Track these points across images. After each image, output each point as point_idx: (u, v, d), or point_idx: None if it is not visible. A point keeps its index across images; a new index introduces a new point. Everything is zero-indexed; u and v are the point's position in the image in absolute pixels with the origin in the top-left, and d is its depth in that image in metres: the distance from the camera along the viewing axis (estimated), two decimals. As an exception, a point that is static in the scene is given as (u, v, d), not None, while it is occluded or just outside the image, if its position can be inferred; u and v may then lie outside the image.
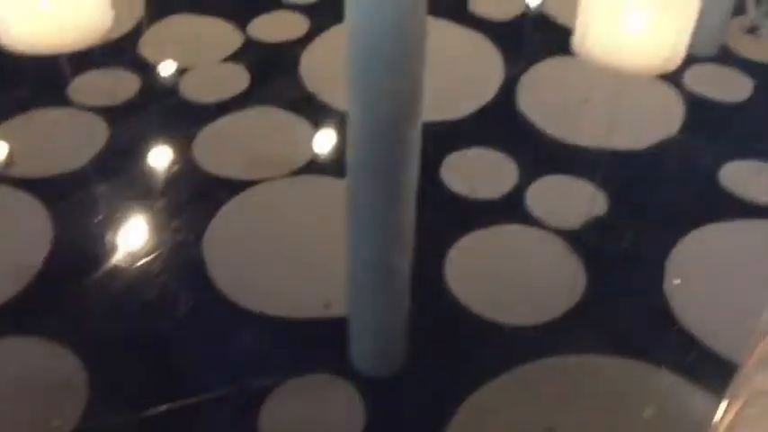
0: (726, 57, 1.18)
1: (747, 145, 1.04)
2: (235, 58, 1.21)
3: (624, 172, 1.02)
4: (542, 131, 1.06)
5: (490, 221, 0.99)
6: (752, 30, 1.20)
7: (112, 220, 1.05)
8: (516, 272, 0.98)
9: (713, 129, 1.06)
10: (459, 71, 1.15)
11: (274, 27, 1.24)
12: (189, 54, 1.23)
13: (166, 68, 1.27)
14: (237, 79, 1.17)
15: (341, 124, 1.11)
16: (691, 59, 1.14)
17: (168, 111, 1.19)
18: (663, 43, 1.08)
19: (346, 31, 1.21)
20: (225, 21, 1.27)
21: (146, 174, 1.11)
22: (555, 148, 1.04)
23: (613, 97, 1.11)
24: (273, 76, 1.19)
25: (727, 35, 1.20)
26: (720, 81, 1.13)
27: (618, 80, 1.15)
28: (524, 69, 1.13)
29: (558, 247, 0.96)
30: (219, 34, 1.24)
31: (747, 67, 1.16)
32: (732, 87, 1.12)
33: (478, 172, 1.03)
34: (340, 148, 1.08)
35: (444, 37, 1.22)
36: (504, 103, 1.09)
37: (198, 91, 1.19)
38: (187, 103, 1.18)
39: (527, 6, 1.25)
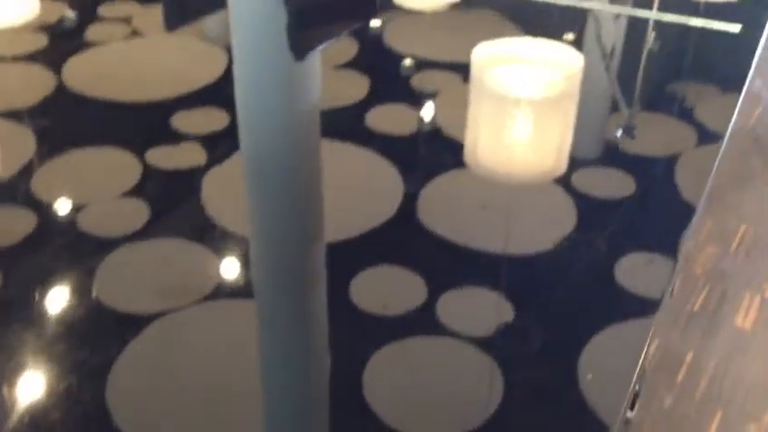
0: (607, 155, 1.26)
1: (636, 238, 1.09)
2: (134, 189, 1.19)
3: (527, 275, 1.05)
4: (445, 242, 1.08)
5: (404, 336, 1.00)
6: (627, 130, 1.29)
7: (6, 369, 1.00)
8: (433, 384, 0.98)
9: (604, 226, 1.12)
10: (360, 190, 1.17)
11: (173, 156, 1.24)
12: (85, 188, 1.21)
13: (62, 205, 1.24)
14: (137, 211, 1.16)
15: (244, 249, 1.11)
16: (576, 162, 1.21)
17: (66, 248, 1.16)
18: (547, 151, 1.15)
19: (242, 157, 1.22)
20: (122, 152, 1.26)
21: (43, 316, 1.07)
22: (459, 257, 1.07)
23: (509, 204, 1.16)
24: (174, 206, 1.18)
25: (607, 135, 1.28)
26: (605, 179, 1.19)
27: (511, 187, 1.21)
28: (422, 184, 1.17)
29: (471, 355, 0.98)
30: (117, 167, 1.23)
31: (628, 163, 1.24)
32: (616, 184, 1.18)
33: (387, 289, 1.04)
34: (245, 274, 1.08)
35: (342, 156, 1.25)
36: (405, 218, 1.12)
37: (97, 226, 1.17)
38: (86, 238, 1.15)
39: (421, 121, 1.29)
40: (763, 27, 1.52)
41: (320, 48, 1.56)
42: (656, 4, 1.64)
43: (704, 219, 2.30)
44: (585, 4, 1.61)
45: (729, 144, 1.18)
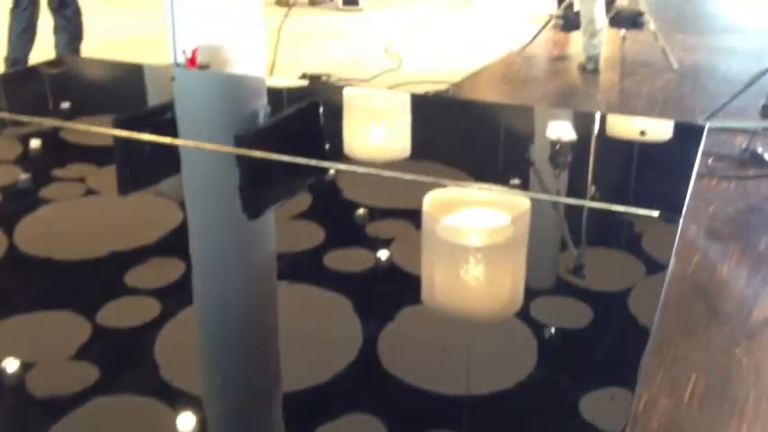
0: (563, 288, 1.27)
1: (598, 371, 1.09)
2: (84, 349, 1.16)
3: (490, 416, 1.03)
4: (407, 385, 1.06)
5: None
6: (576, 269, 1.31)
7: None
8: None
9: (565, 359, 1.11)
10: (318, 334, 1.16)
11: (124, 313, 1.21)
12: (34, 351, 1.18)
13: (10, 365, 1.20)
14: (88, 371, 1.12)
15: (199, 406, 1.08)
16: (533, 294, 1.22)
17: (15, 412, 1.11)
18: (502, 290, 1.16)
19: (196, 310, 1.20)
20: (71, 313, 1.23)
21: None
22: (421, 400, 1.05)
23: (468, 342, 1.15)
24: (126, 365, 1.15)
25: (560, 268, 1.30)
26: (562, 311, 1.20)
27: (470, 325, 1.21)
28: (381, 325, 1.16)
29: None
30: (66, 328, 1.20)
31: (583, 295, 1.25)
32: (574, 316, 1.19)
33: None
34: (202, 429, 1.03)
35: (300, 300, 1.24)
36: (366, 362, 1.10)
37: (47, 388, 1.13)
38: (35, 401, 1.11)
39: (378, 262, 1.31)
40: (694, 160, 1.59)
41: (273, 206, 1.59)
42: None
43: (655, 370, 2.31)
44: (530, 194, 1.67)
45: (671, 291, 1.20)
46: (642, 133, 1.79)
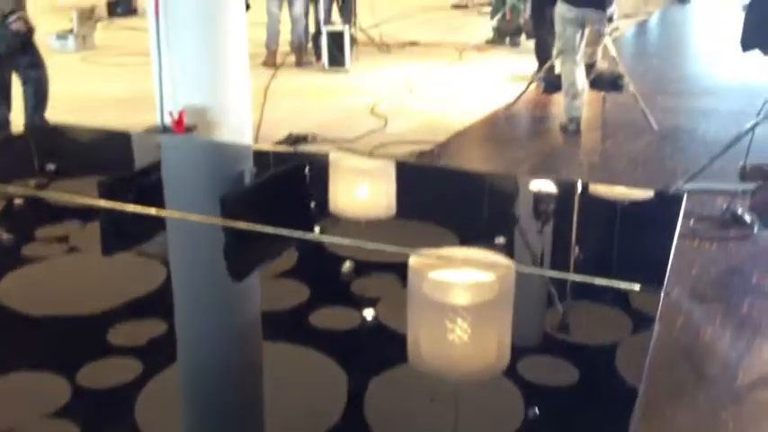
0: (549, 346, 1.27)
1: (584, 429, 1.08)
2: (64, 410, 1.14)
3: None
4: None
5: None
6: (562, 327, 1.32)
7: None
8: None
9: (552, 417, 1.10)
10: (305, 394, 1.14)
11: (105, 373, 1.19)
12: (11, 410, 1.15)
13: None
14: None
15: (183, 468, 1.05)
16: (519, 352, 1.21)
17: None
18: (488, 349, 1.15)
19: (179, 369, 1.19)
20: (50, 374, 1.21)
21: None
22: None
23: (455, 401, 1.14)
24: (106, 425, 1.12)
25: (546, 326, 1.30)
26: (549, 369, 1.20)
27: (456, 384, 1.20)
28: (368, 382, 1.15)
29: None
30: (45, 388, 1.18)
31: (568, 351, 1.25)
32: (560, 373, 1.18)
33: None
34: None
35: (286, 359, 1.23)
36: (352, 421, 1.09)
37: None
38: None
39: (363, 320, 1.30)
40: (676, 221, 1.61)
41: (258, 264, 1.59)
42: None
43: (643, 432, 2.29)
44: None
45: (656, 353, 1.20)
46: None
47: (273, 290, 1.49)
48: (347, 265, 1.48)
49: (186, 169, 2.07)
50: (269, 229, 1.55)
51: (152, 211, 1.65)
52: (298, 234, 1.59)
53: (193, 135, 4.46)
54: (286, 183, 1.96)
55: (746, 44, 3.72)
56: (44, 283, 1.51)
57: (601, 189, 2.06)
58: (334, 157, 2.47)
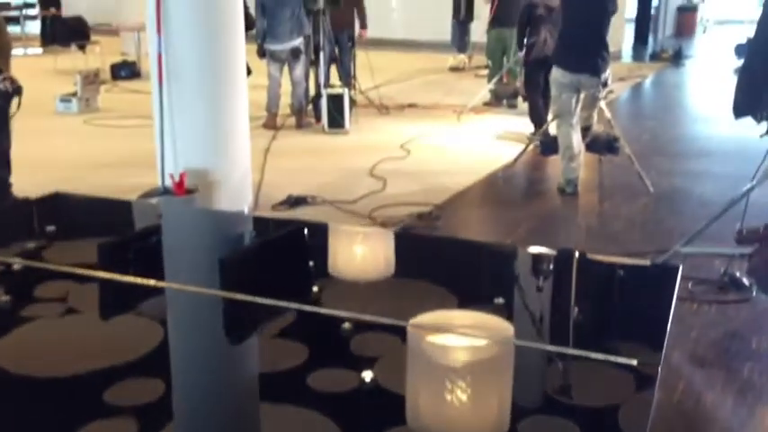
0: (548, 407, 1.26)
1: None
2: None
3: None
4: None
5: None
6: (563, 389, 1.31)
7: None
8: None
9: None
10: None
11: (103, 434, 1.19)
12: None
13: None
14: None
15: None
16: (521, 412, 1.21)
17: None
18: (488, 412, 1.15)
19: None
20: (51, 434, 1.20)
21: None
22: None
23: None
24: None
25: (547, 387, 1.30)
26: (551, 428, 1.19)
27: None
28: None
29: None
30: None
31: (569, 413, 1.24)
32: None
33: None
34: None
35: (283, 422, 1.22)
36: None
37: None
38: None
39: (362, 379, 1.30)
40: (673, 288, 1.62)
41: (258, 328, 1.59)
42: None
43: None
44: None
45: (656, 420, 1.20)
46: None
47: (272, 350, 1.49)
48: (346, 326, 1.48)
49: (184, 238, 2.09)
50: (267, 301, 1.56)
51: (150, 282, 1.66)
52: (295, 305, 1.59)
53: (194, 197, 4.49)
54: (284, 250, 1.97)
55: (738, 111, 3.79)
56: (40, 344, 1.50)
57: (598, 258, 2.08)
58: (333, 226, 2.50)
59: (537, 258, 1.96)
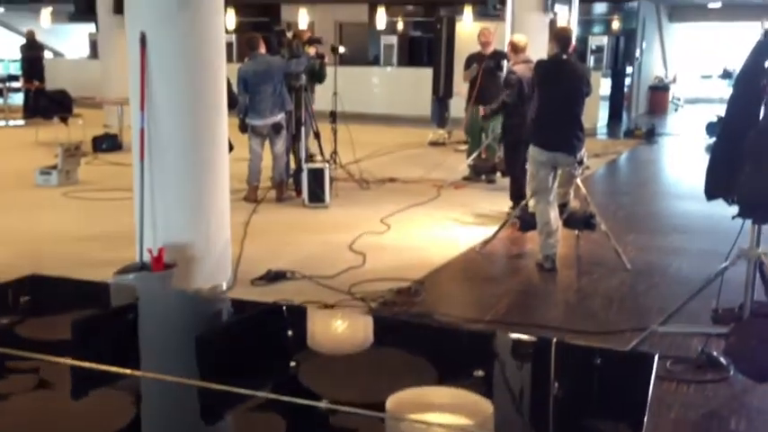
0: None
1: None
2: None
3: None
4: None
5: None
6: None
7: None
8: None
9: None
10: None
11: None
12: None
13: None
14: None
15: None
16: None
17: None
18: None
19: None
20: None
21: None
22: None
23: None
24: None
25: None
26: None
27: None
28: None
29: None
30: None
31: None
32: None
33: None
34: None
35: None
36: None
37: None
38: None
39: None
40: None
41: (233, 399, 1.57)
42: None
43: None
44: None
45: None
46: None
47: (249, 423, 1.48)
48: (323, 405, 1.47)
49: (157, 322, 2.08)
50: (241, 390, 1.54)
51: (122, 370, 1.65)
52: (272, 395, 1.58)
53: (171, 273, 4.48)
54: (259, 333, 1.96)
55: (710, 194, 3.88)
56: (11, 419, 1.48)
57: (576, 347, 2.10)
58: (311, 311, 2.50)
59: (516, 344, 1.96)
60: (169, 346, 1.88)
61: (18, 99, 14.40)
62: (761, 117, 3.62)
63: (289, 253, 5.76)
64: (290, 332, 1.99)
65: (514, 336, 1.95)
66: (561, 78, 5.51)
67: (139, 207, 4.64)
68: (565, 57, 5.52)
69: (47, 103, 11.55)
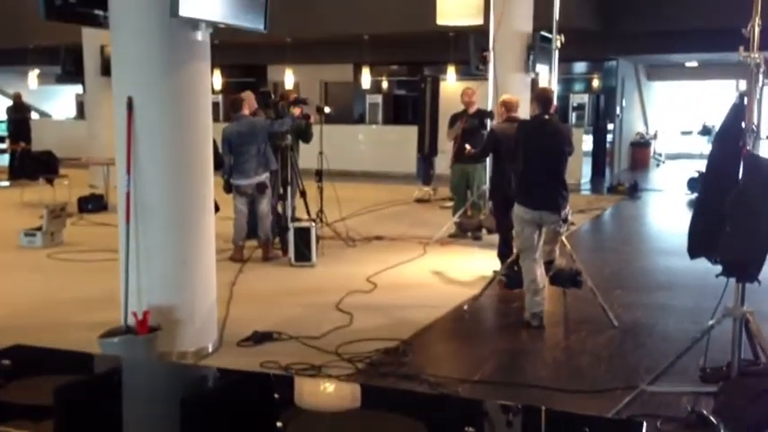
0: None
1: None
2: None
3: None
4: None
5: None
6: None
7: None
8: None
9: None
10: None
11: None
12: None
13: None
14: None
15: None
16: None
17: None
18: None
19: None
20: None
21: None
22: None
23: None
24: None
25: None
26: None
27: None
28: None
29: None
30: None
31: None
32: None
33: None
34: None
35: None
36: None
37: None
38: None
39: None
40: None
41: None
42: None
43: None
44: None
45: None
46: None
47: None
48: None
49: (139, 394, 2.05)
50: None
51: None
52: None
53: (156, 336, 4.43)
54: (243, 402, 1.94)
55: (693, 253, 3.92)
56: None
57: (565, 412, 2.09)
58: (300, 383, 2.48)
59: (506, 412, 1.95)
60: (148, 424, 1.85)
61: (3, 160, 14.41)
62: (739, 177, 3.69)
63: (275, 313, 5.72)
64: (275, 399, 1.97)
65: (503, 403, 1.94)
66: (544, 138, 5.59)
67: (124, 270, 4.62)
68: (547, 117, 5.61)
69: (33, 164, 11.57)
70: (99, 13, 4.61)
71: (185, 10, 4.26)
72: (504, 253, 6.75)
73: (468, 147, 7.77)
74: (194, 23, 4.50)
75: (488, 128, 8.18)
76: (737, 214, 3.61)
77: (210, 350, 4.87)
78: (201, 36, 4.62)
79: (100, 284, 6.07)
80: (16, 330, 5.06)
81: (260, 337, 5.08)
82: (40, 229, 8.12)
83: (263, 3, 4.82)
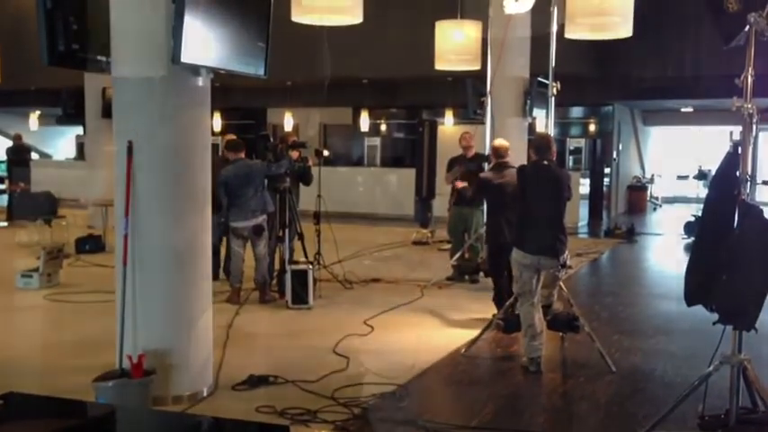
0: None
1: None
2: None
3: None
4: None
5: None
6: None
7: None
8: None
9: None
10: None
11: None
12: None
13: None
14: None
15: None
16: None
17: None
18: None
19: None
20: None
21: None
22: None
23: None
24: None
25: None
26: None
27: None
28: None
29: None
30: None
31: None
32: None
33: None
34: None
35: None
36: None
37: None
38: None
39: None
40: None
41: None
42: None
43: None
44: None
45: None
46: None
47: None
48: None
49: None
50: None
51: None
52: None
53: (151, 380, 4.40)
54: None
55: (690, 301, 3.92)
56: None
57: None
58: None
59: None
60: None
61: (2, 201, 14.44)
62: (735, 225, 3.71)
63: (272, 356, 5.69)
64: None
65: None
66: (543, 184, 5.63)
67: (121, 313, 4.61)
68: (546, 162, 5.66)
69: (31, 205, 11.58)
70: (101, 58, 4.67)
71: (187, 57, 4.33)
72: (498, 299, 6.74)
73: (459, 183, 7.81)
74: (195, 70, 4.56)
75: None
76: (733, 262, 3.62)
77: (206, 394, 4.83)
78: (202, 82, 4.69)
79: (95, 327, 6.05)
80: (12, 373, 5.03)
81: (256, 381, 5.05)
82: (36, 270, 8.09)
83: (264, 49, 4.89)
